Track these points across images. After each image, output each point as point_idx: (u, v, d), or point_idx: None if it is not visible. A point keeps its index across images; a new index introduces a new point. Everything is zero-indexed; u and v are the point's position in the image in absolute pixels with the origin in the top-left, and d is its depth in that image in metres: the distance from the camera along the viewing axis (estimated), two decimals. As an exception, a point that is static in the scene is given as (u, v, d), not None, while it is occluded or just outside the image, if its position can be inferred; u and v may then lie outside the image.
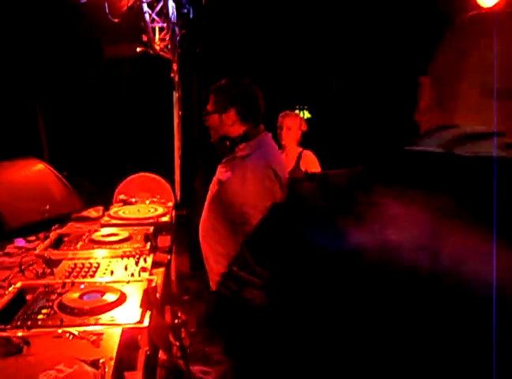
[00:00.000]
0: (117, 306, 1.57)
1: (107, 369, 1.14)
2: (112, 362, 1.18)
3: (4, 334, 1.30)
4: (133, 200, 3.40)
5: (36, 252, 2.29)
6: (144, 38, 4.65)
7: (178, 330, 3.49)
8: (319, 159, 3.73)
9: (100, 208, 3.24)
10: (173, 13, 4.93)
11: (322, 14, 7.28)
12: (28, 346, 1.27)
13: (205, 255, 2.44)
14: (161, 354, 2.02)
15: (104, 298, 1.61)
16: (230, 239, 2.22)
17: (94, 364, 1.14)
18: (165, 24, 4.86)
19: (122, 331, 1.35)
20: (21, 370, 1.11)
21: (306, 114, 8.68)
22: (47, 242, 2.46)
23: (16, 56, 5.69)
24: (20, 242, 2.69)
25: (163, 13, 4.78)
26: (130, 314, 1.50)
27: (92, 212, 3.18)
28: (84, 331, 1.34)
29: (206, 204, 2.41)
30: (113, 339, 1.30)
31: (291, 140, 3.67)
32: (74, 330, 1.33)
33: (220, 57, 7.23)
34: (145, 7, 4.45)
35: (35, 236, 2.79)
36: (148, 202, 3.36)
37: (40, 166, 3.52)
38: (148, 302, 1.60)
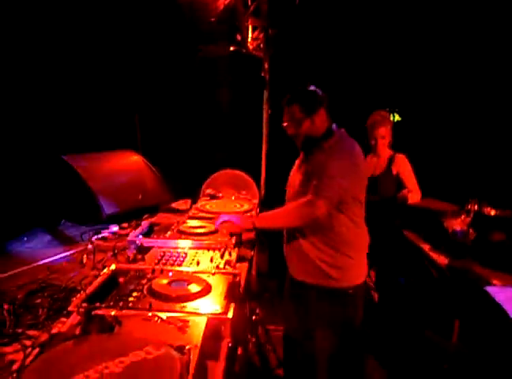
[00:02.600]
0: (202, 296, 1.59)
1: (191, 356, 1.15)
2: (197, 350, 1.19)
3: (99, 312, 1.36)
4: (220, 195, 3.47)
5: (129, 238, 2.41)
6: (238, 37, 4.72)
7: (255, 326, 3.50)
8: (412, 162, 3.57)
9: (188, 201, 3.34)
10: (267, 11, 4.96)
11: (416, 15, 6.98)
12: (119, 325, 1.32)
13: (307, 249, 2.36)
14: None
15: (190, 287, 1.64)
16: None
17: (180, 349, 1.16)
18: (258, 24, 4.89)
19: (208, 320, 1.37)
20: (113, 347, 1.15)
21: (397, 117, 8.37)
22: (139, 229, 2.58)
23: (118, 59, 6.05)
24: (114, 227, 2.84)
25: (257, 12, 4.82)
26: (214, 305, 1.51)
27: (180, 204, 3.29)
28: (172, 316, 1.37)
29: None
30: (198, 327, 1.32)
31: (384, 146, 3.58)
32: (162, 315, 1.37)
33: (309, 57, 7.17)
34: (240, 7, 4.50)
35: (127, 223, 2.94)
36: (233, 198, 3.41)
37: (136, 157, 3.71)
38: (232, 294, 1.61)
